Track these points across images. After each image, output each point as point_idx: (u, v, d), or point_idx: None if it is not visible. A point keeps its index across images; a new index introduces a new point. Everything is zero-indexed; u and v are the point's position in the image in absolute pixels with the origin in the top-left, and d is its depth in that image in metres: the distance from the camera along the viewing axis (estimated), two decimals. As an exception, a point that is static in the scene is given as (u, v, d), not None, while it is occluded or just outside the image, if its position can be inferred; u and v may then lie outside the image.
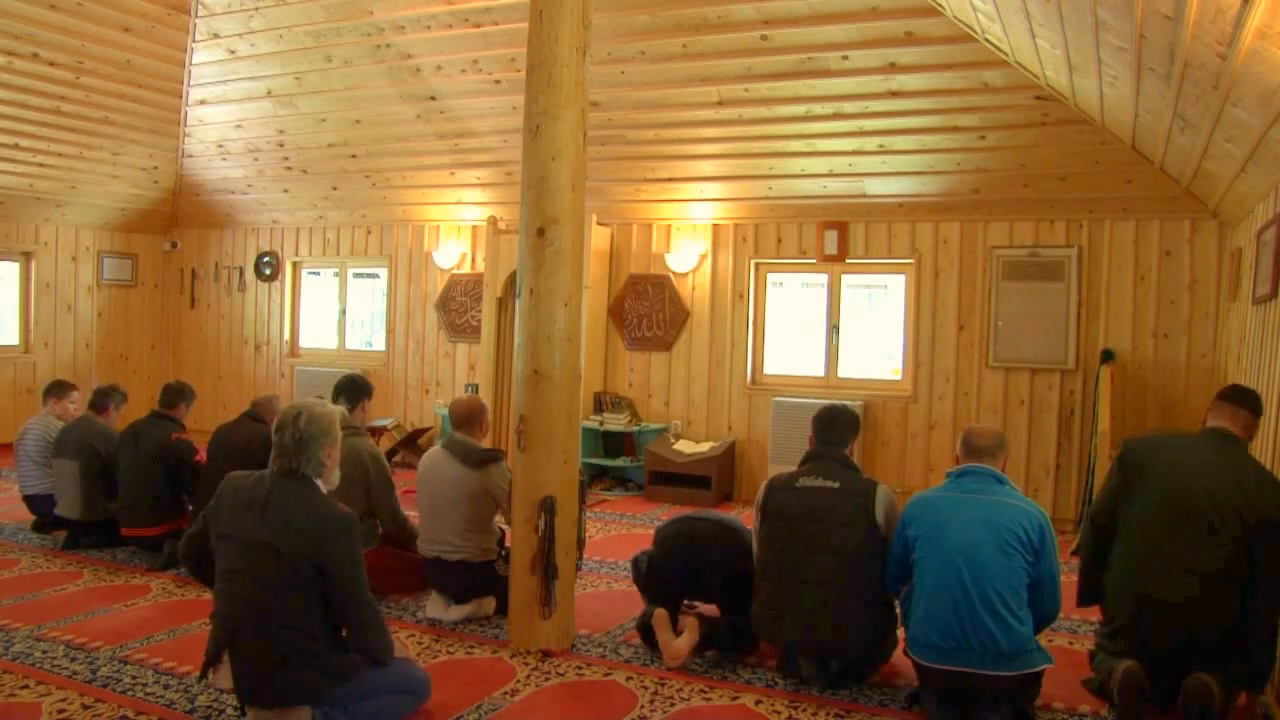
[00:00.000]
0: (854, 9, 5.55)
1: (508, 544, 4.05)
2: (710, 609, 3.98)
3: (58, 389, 5.71)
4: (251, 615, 2.70)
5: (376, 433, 7.70)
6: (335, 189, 8.55)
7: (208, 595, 4.38)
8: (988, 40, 5.41)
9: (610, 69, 6.43)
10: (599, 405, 7.50)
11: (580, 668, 3.64)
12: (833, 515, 3.40)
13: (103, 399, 5.44)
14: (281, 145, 8.29)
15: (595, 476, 7.43)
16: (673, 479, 6.93)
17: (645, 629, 3.79)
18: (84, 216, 8.98)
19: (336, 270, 9.15)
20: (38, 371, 8.79)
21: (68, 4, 6.80)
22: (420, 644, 3.84)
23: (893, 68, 5.81)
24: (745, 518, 3.74)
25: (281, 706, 2.74)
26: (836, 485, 3.44)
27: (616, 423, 7.36)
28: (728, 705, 3.31)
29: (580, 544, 4.00)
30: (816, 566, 3.37)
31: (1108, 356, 6.13)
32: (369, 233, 8.82)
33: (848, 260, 7.01)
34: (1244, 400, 3.35)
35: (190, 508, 4.96)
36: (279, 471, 2.78)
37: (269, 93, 7.80)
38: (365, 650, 2.84)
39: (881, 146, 6.36)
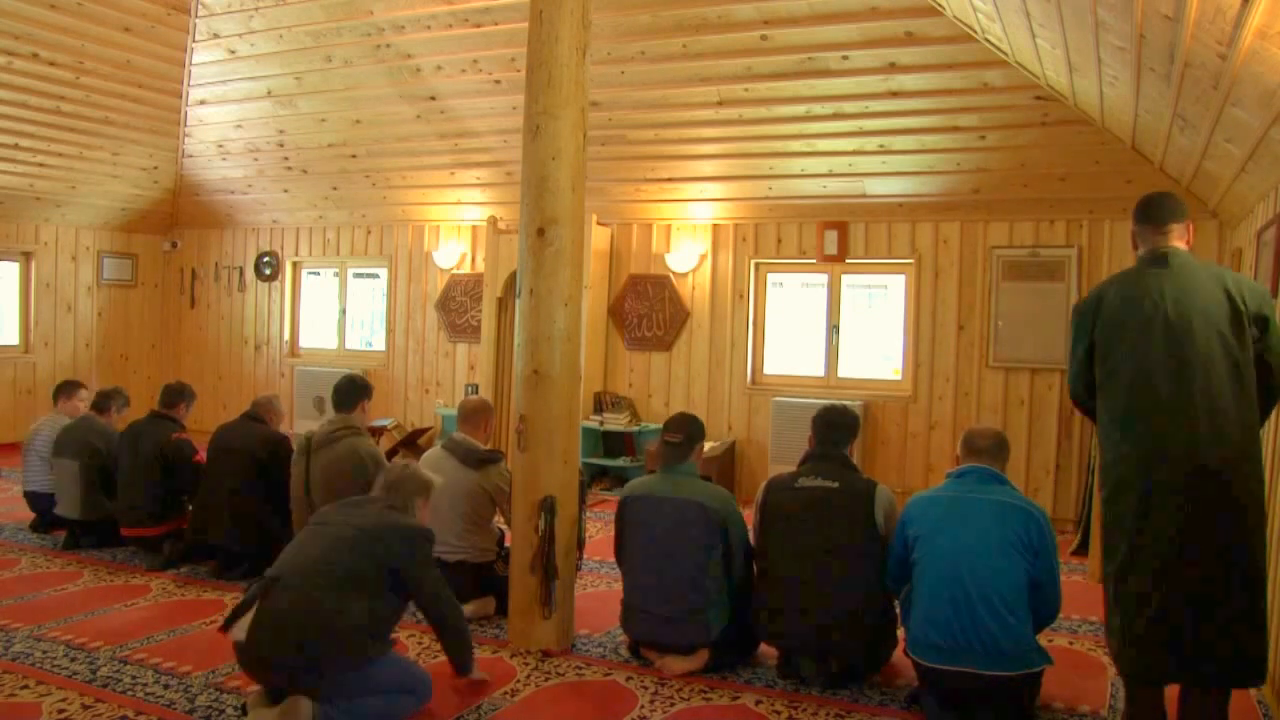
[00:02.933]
0: (854, 9, 5.55)
1: (507, 544, 4.05)
2: None
3: (66, 388, 5.81)
4: (300, 576, 2.94)
5: (376, 433, 7.70)
6: (335, 189, 8.55)
7: (208, 595, 4.40)
8: (988, 40, 5.41)
9: (610, 69, 6.42)
10: (599, 405, 7.50)
11: (580, 668, 3.64)
12: (832, 515, 3.39)
13: (104, 400, 5.47)
14: (281, 145, 8.29)
15: (595, 476, 7.42)
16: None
17: (635, 649, 3.79)
18: (84, 216, 8.98)
19: (336, 270, 9.15)
20: (38, 371, 8.80)
21: (68, 4, 6.80)
22: (420, 644, 3.84)
23: (893, 68, 5.81)
24: (745, 517, 3.73)
25: (289, 672, 2.83)
26: (836, 485, 3.44)
27: (616, 423, 7.36)
28: (728, 705, 3.31)
29: (580, 544, 4.00)
30: (816, 566, 3.37)
31: (1108, 356, 6.12)
32: (369, 233, 8.82)
33: (848, 260, 7.01)
34: (1175, 210, 2.91)
35: (190, 508, 4.96)
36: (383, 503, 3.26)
37: (269, 93, 7.80)
38: (452, 631, 3.22)
39: (881, 146, 6.36)
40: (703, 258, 7.43)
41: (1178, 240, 2.87)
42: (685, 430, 3.72)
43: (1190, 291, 2.76)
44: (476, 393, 7.43)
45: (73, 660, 3.55)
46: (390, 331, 8.70)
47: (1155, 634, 2.71)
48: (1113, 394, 2.85)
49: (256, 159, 8.53)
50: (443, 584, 3.19)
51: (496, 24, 6.43)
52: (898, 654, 3.53)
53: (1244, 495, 2.69)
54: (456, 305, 8.34)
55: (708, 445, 7.01)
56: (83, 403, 5.71)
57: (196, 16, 7.45)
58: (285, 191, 8.80)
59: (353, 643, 2.89)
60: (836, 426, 3.62)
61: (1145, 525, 2.74)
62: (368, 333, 9.26)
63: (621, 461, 7.41)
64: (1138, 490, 2.76)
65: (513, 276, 7.15)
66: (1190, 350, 2.71)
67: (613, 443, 7.55)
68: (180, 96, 8.15)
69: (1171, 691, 2.84)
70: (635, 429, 7.34)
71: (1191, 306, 2.74)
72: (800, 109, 6.28)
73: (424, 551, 3.15)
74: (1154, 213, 2.91)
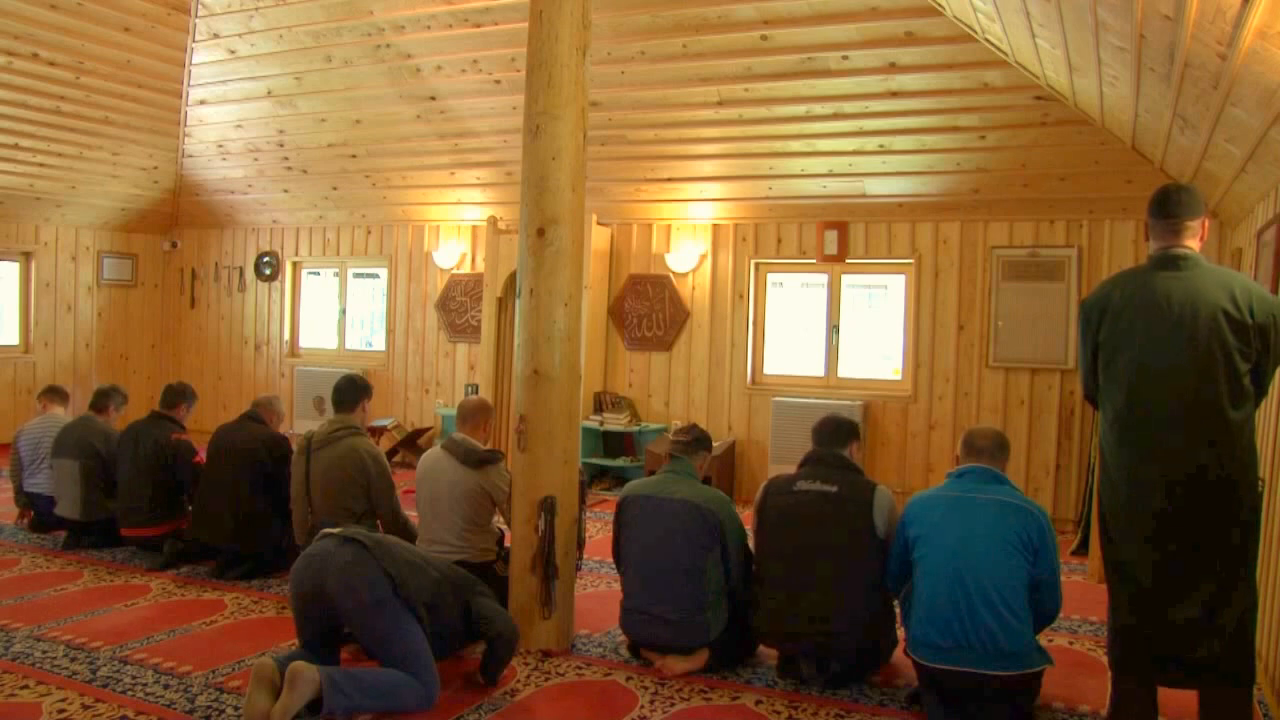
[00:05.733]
0: (854, 9, 5.55)
1: (507, 544, 4.05)
2: None
3: (60, 396, 5.78)
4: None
5: (376, 433, 7.71)
6: (335, 189, 8.55)
7: (208, 595, 4.40)
8: (988, 40, 5.41)
9: (610, 69, 6.42)
10: (599, 405, 7.50)
11: (580, 668, 3.64)
12: (831, 518, 3.39)
13: (103, 399, 5.45)
14: (281, 145, 8.29)
15: (595, 476, 7.42)
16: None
17: (635, 649, 3.79)
18: (84, 216, 8.98)
19: (336, 270, 9.15)
20: (38, 371, 8.80)
21: (68, 4, 6.80)
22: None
23: (893, 68, 5.81)
24: (745, 518, 3.73)
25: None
26: (834, 489, 3.44)
27: (616, 423, 7.36)
28: (728, 705, 3.31)
29: (580, 544, 4.00)
30: (815, 568, 3.37)
31: (1108, 356, 6.12)
32: (369, 233, 8.82)
33: (848, 260, 7.01)
34: (1191, 206, 2.79)
35: (190, 508, 4.96)
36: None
37: (269, 93, 7.80)
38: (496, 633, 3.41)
39: (881, 146, 6.36)
40: (703, 258, 7.43)
41: (1191, 239, 2.79)
42: (693, 433, 3.88)
43: (1198, 300, 2.69)
44: (476, 393, 7.43)
45: (73, 660, 3.55)
46: (390, 331, 8.70)
47: (1139, 628, 2.77)
48: (1112, 397, 2.86)
49: (256, 159, 8.53)
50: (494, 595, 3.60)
51: (496, 24, 6.43)
52: (898, 654, 3.53)
53: (1235, 505, 2.70)
54: (456, 305, 8.34)
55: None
56: (61, 408, 5.71)
57: (196, 16, 7.45)
58: (285, 191, 8.80)
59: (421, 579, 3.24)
60: (830, 429, 3.62)
61: (1136, 526, 2.78)
62: (368, 333, 9.26)
63: (621, 461, 7.41)
64: (1129, 493, 2.80)
65: (513, 276, 7.15)
66: (1191, 359, 2.68)
67: (613, 443, 7.54)
68: (180, 96, 8.15)
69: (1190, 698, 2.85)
70: (635, 429, 7.34)
71: (1198, 315, 2.67)
72: (800, 109, 6.28)
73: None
74: (1169, 207, 2.80)
